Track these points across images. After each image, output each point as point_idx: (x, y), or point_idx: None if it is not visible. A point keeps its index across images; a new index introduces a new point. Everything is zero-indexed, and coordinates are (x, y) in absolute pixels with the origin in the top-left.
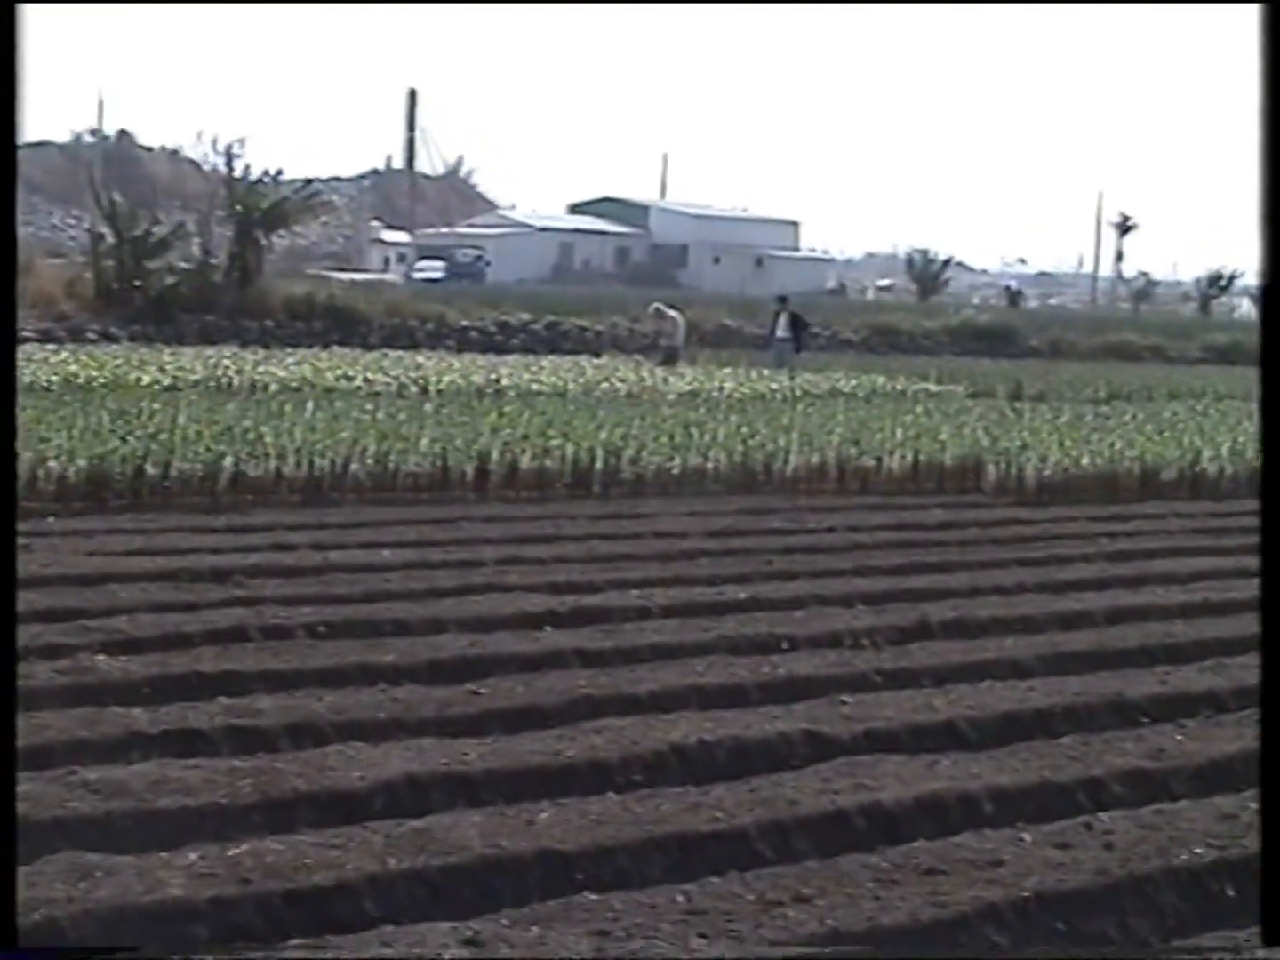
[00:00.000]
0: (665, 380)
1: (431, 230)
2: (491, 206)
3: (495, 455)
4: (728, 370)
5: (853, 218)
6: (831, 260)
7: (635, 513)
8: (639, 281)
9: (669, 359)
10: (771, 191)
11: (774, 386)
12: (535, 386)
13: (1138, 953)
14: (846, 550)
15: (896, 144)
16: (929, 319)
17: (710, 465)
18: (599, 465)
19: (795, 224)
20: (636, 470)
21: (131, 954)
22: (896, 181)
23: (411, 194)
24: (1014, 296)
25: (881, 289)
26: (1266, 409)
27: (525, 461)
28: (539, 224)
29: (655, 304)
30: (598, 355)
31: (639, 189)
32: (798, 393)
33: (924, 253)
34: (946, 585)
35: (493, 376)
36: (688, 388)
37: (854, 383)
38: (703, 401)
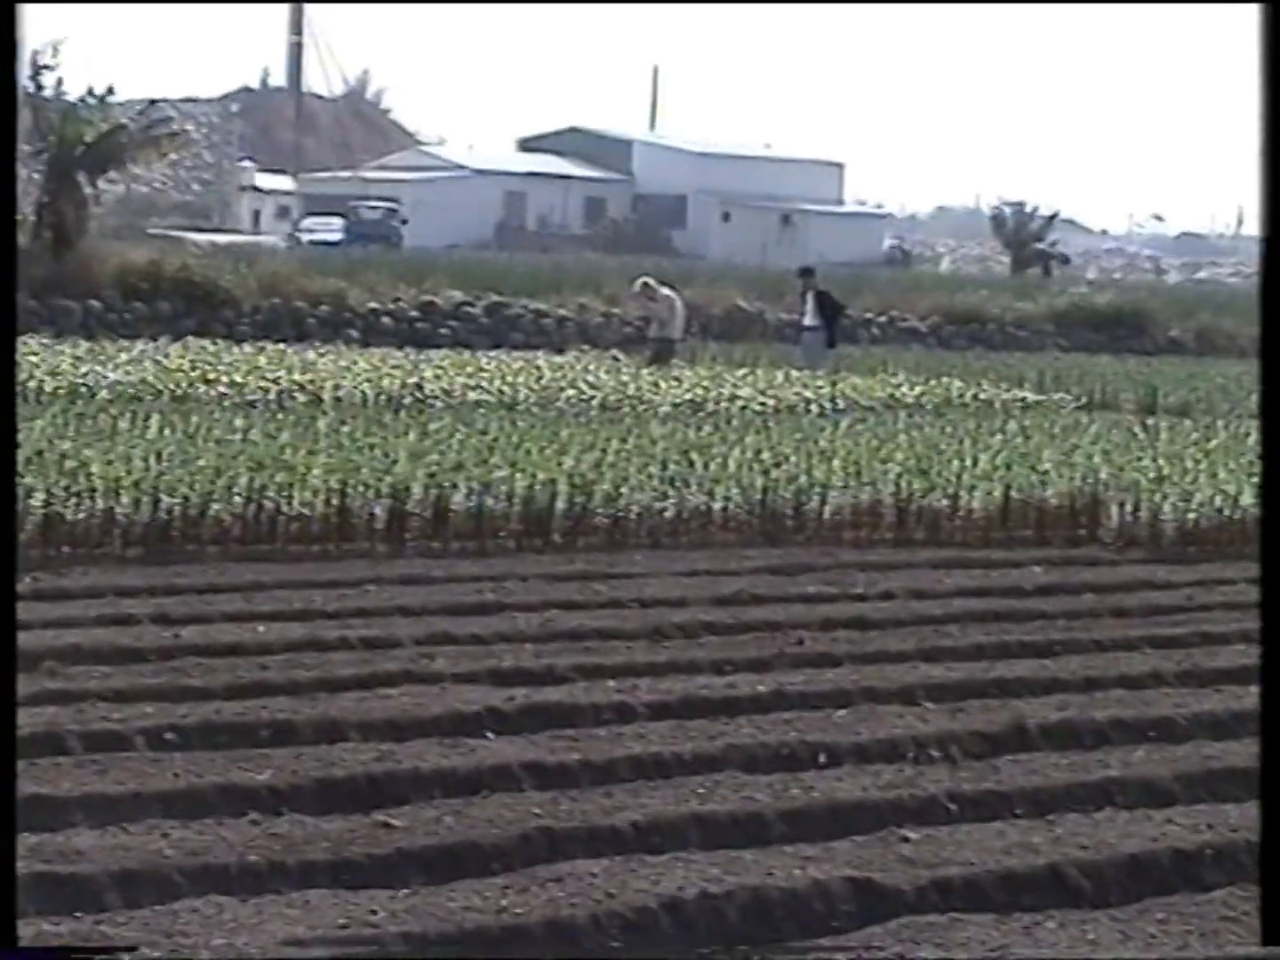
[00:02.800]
0: (656, 386)
1: (326, 174)
2: (411, 141)
3: (416, 492)
4: (743, 372)
5: (917, 160)
6: (887, 217)
7: (613, 572)
8: (618, 247)
9: (661, 355)
10: (803, 123)
11: (807, 394)
12: (473, 395)
13: (1138, 953)
14: (909, 625)
15: (978, 61)
16: (1026, 300)
17: (719, 506)
18: (562, 506)
19: (838, 167)
20: (615, 513)
21: (132, 954)
22: (978, 111)
23: (298, 122)
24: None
25: (958, 255)
26: (1266, 410)
27: (459, 501)
28: (477, 165)
29: (642, 278)
30: (560, 351)
31: (618, 117)
32: (840, 403)
33: (1018, 206)
34: (1049, 675)
35: (413, 380)
36: (687, 396)
37: (919, 389)
38: (708, 416)
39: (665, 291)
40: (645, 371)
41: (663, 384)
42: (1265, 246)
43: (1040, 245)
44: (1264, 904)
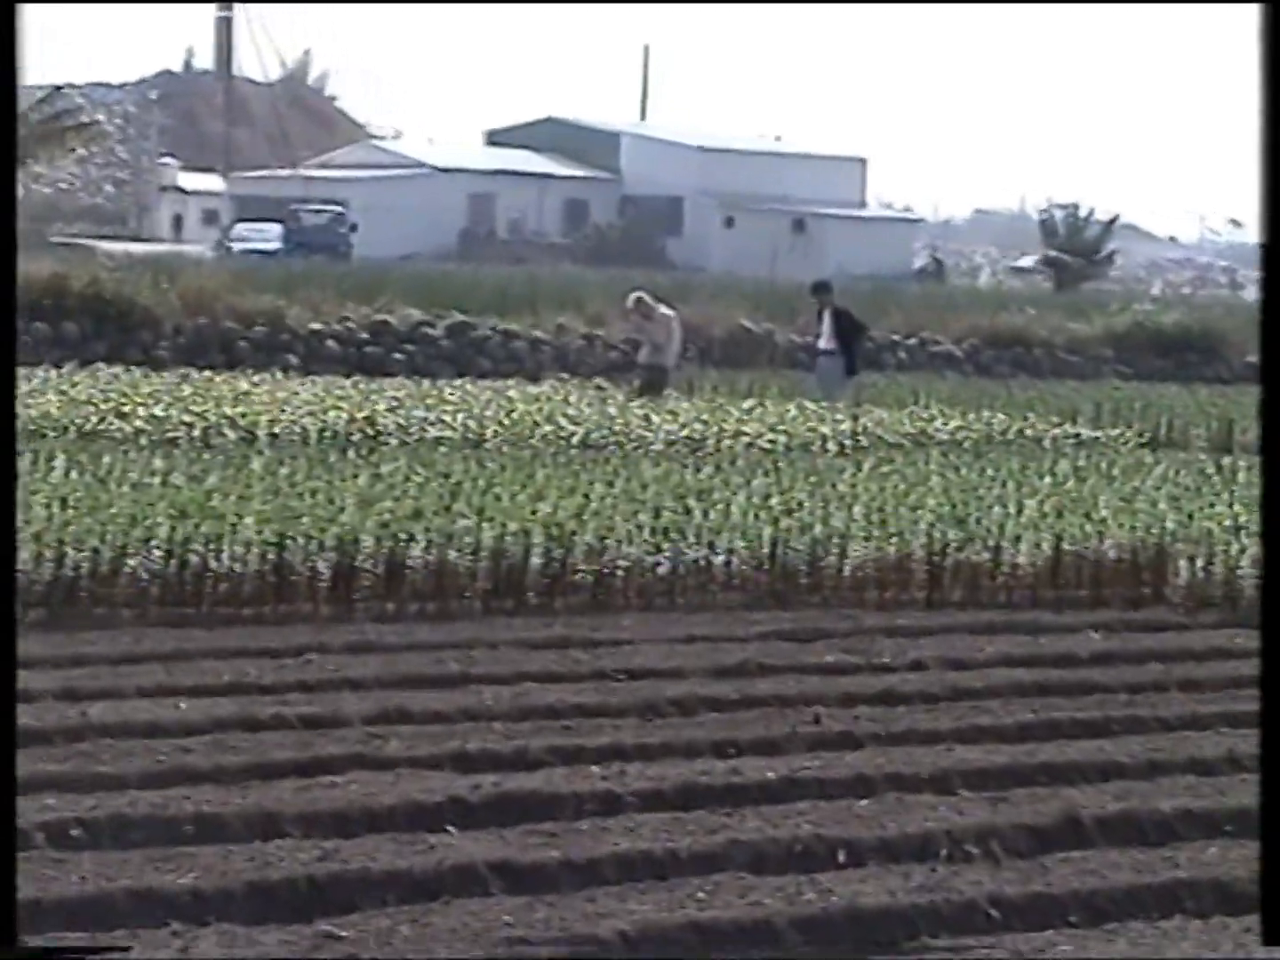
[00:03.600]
0: (648, 420)
1: (260, 173)
2: (361, 134)
3: (367, 545)
4: (748, 404)
5: (953, 156)
6: (918, 222)
7: (597, 638)
8: (603, 257)
9: (653, 384)
10: (820, 114)
11: (823, 430)
12: (433, 431)
13: (1138, 953)
14: (943, 700)
15: (1023, 39)
16: (1080, 319)
17: (721, 561)
18: (537, 561)
19: (860, 163)
20: (600, 569)
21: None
22: (1024, 99)
23: (227, 112)
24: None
25: (1016, 269)
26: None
27: (417, 555)
28: (438, 162)
29: (636, 293)
30: (535, 379)
31: (602, 106)
32: (863, 440)
33: (1071, 210)
34: (1106, 758)
35: (364, 414)
36: (684, 432)
37: (955, 424)
38: (708, 455)
39: (663, 310)
40: (635, 403)
41: (655, 418)
42: (1265, 251)
43: (1098, 255)
44: (1264, 904)
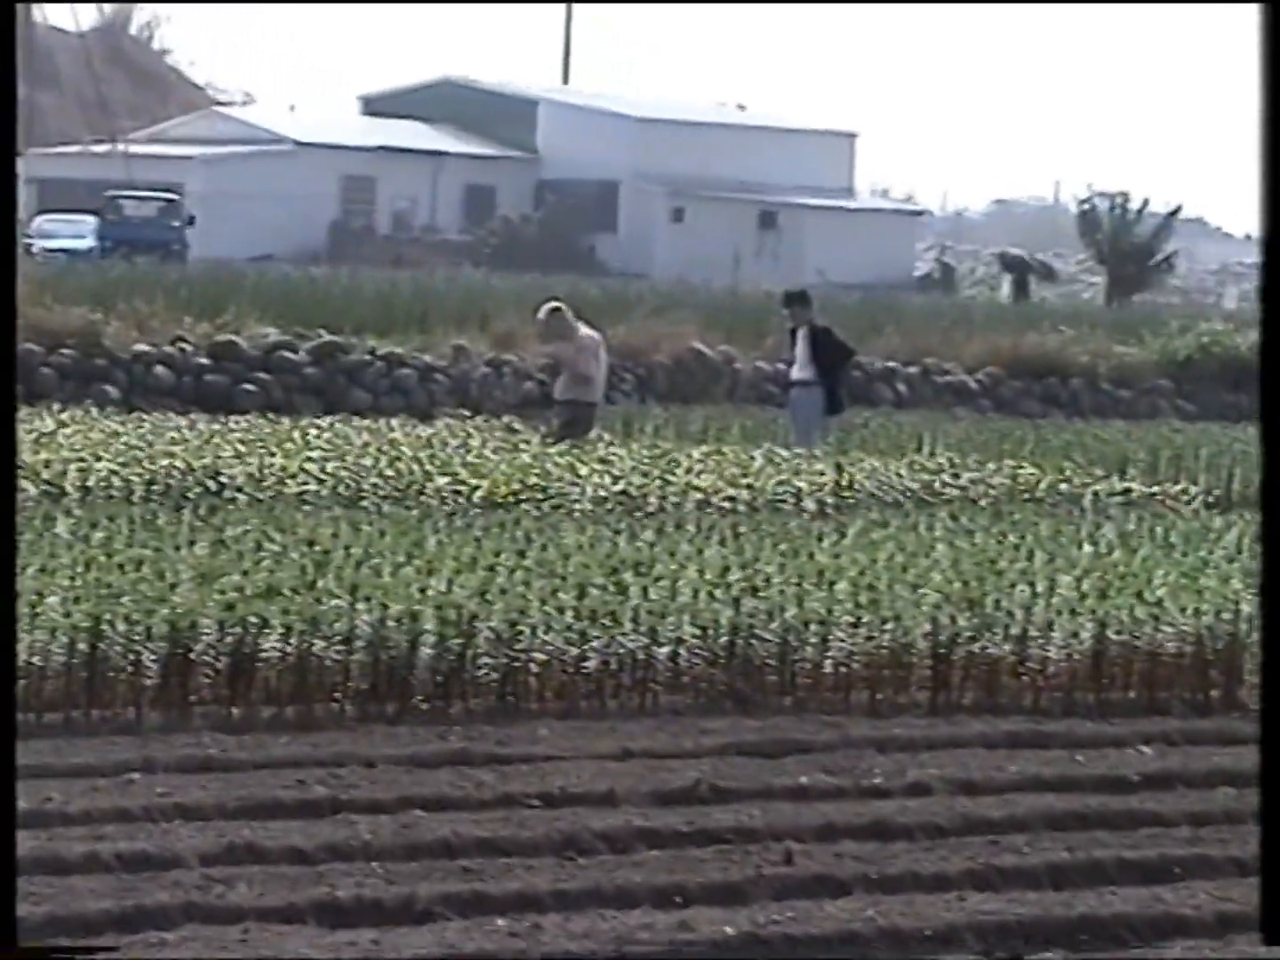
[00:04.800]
0: (572, 470)
1: (69, 149)
2: (202, 99)
3: (208, 632)
4: (702, 450)
5: (965, 132)
6: (922, 214)
7: (504, 753)
8: (514, 259)
9: (575, 424)
10: (794, 76)
11: (798, 484)
12: (294, 484)
13: (1139, 953)
14: (952, 834)
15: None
16: (1130, 341)
17: (665, 653)
18: (428, 653)
19: (848, 139)
20: (508, 663)
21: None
22: (1055, 62)
23: (27, 70)
24: None
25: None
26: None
27: (272, 646)
28: (301, 136)
29: (552, 302)
30: (428, 417)
31: (513, 66)
32: (850, 497)
33: (1118, 200)
34: (1163, 909)
35: (204, 463)
36: (618, 487)
37: (969, 476)
38: (649, 516)
39: (585, 331)
40: (554, 449)
41: (582, 468)
42: (1265, 250)
43: (1154, 258)
44: (1264, 905)
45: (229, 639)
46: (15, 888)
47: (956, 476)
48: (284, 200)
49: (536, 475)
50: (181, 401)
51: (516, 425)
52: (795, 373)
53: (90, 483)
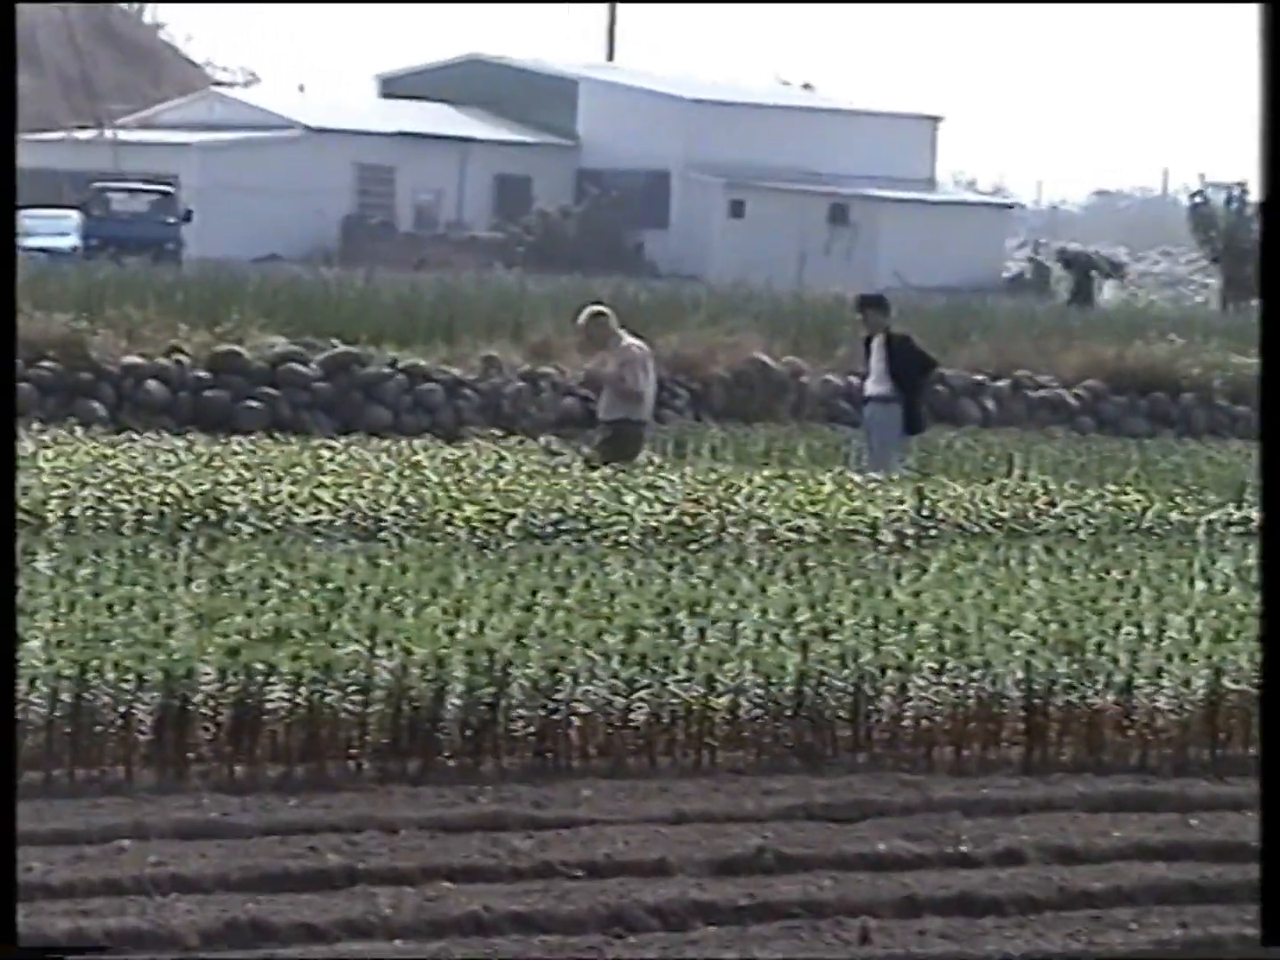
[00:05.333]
0: (618, 497)
1: (52, 135)
2: (200, 79)
3: (207, 681)
4: (766, 474)
5: (1062, 116)
6: (1012, 207)
7: (543, 816)
8: (552, 259)
9: (621, 445)
10: (866, 55)
11: (874, 512)
12: (304, 513)
13: (1138, 953)
14: (1049, 908)
15: None
16: (1247, 351)
17: (723, 704)
18: (456, 703)
19: (930, 123)
20: (548, 716)
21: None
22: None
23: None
24: None
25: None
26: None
27: (280, 696)
28: (312, 120)
29: (595, 306)
30: (455, 437)
31: (551, 42)
32: (932, 527)
33: (1236, 191)
34: None
35: (203, 490)
36: (669, 516)
37: (1067, 503)
38: (706, 550)
39: (630, 340)
40: (598, 474)
41: (629, 495)
42: (1265, 249)
43: None
44: (1264, 904)
45: (231, 688)
46: (15, 888)
47: (1052, 504)
48: (292, 193)
49: (578, 503)
50: (177, 420)
51: (555, 446)
52: (870, 387)
53: (75, 512)
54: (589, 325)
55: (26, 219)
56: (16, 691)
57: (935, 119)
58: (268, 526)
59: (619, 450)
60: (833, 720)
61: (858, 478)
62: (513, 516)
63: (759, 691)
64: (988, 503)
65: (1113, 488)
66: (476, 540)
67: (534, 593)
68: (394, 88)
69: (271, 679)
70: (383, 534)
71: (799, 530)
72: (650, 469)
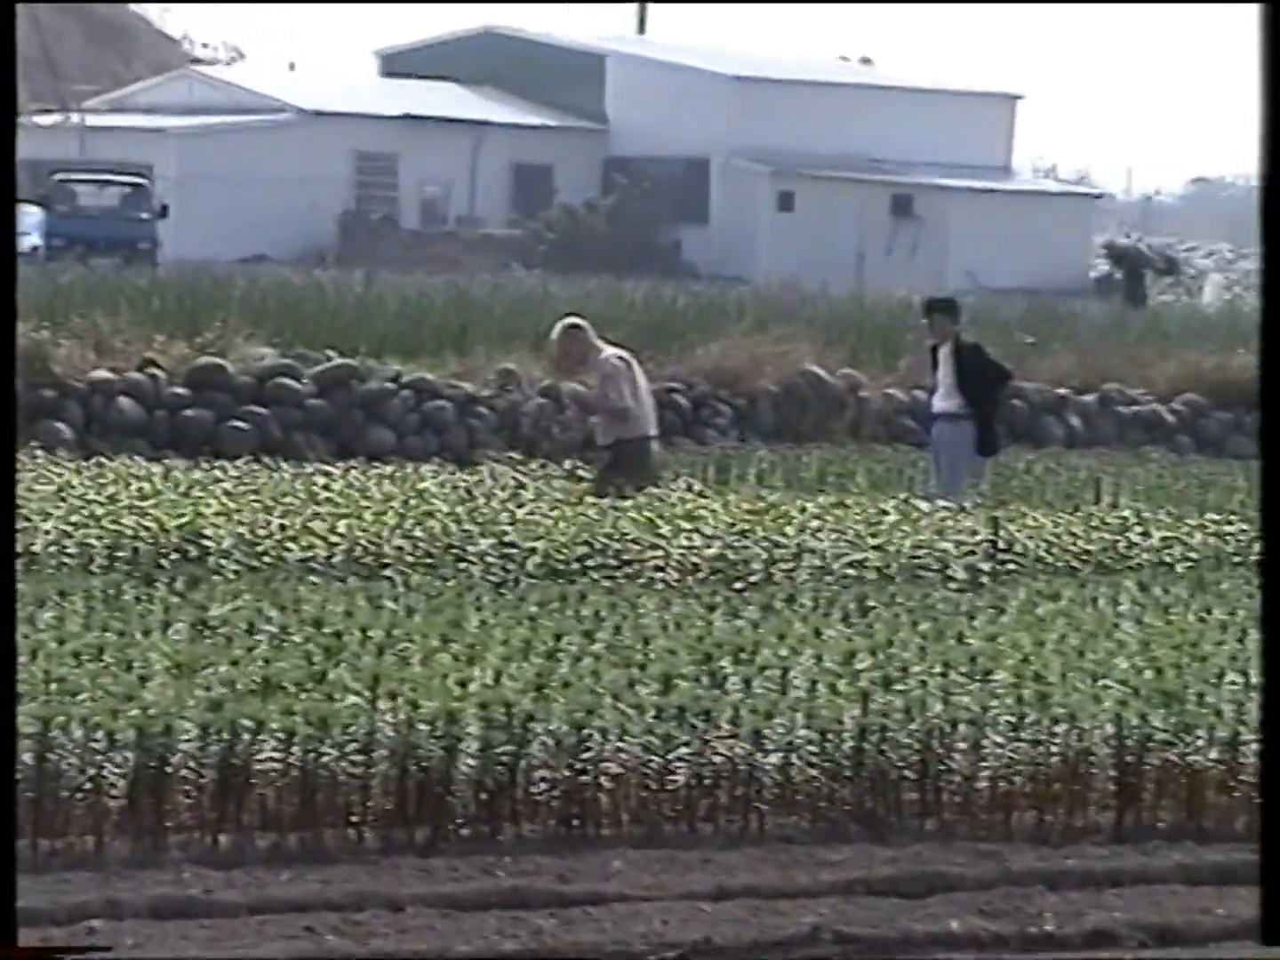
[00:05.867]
0: (653, 527)
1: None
2: (178, 57)
3: (187, 740)
4: (822, 500)
5: (1156, 98)
6: (1100, 198)
7: (568, 892)
8: (577, 258)
9: (621, 467)
10: (931, 26)
11: (942, 544)
12: (297, 548)
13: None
14: None
15: None
16: None
17: (772, 764)
18: (470, 764)
19: (1008, 102)
20: (574, 778)
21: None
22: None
23: None
24: None
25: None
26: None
27: (270, 756)
28: (305, 102)
29: (569, 319)
30: (467, 461)
31: (575, 14)
32: (1010, 562)
33: None
34: None
35: (183, 521)
36: (711, 549)
37: (1163, 534)
38: (752, 586)
39: (608, 353)
40: (630, 503)
41: (665, 526)
42: (1265, 247)
43: None
44: (1264, 904)
45: (215, 747)
46: (15, 888)
47: (1146, 535)
48: (282, 185)
49: (607, 536)
50: (152, 443)
51: (583, 470)
52: (938, 403)
53: (36, 547)
54: (563, 341)
55: None
56: (16, 691)
57: (1012, 98)
58: (255, 564)
59: (623, 474)
60: (898, 781)
61: (924, 505)
62: (533, 551)
63: (813, 749)
64: (1072, 534)
65: (1215, 516)
66: (492, 578)
67: (558, 637)
68: (397, 65)
69: (260, 736)
70: (386, 571)
71: (858, 565)
72: (689, 497)
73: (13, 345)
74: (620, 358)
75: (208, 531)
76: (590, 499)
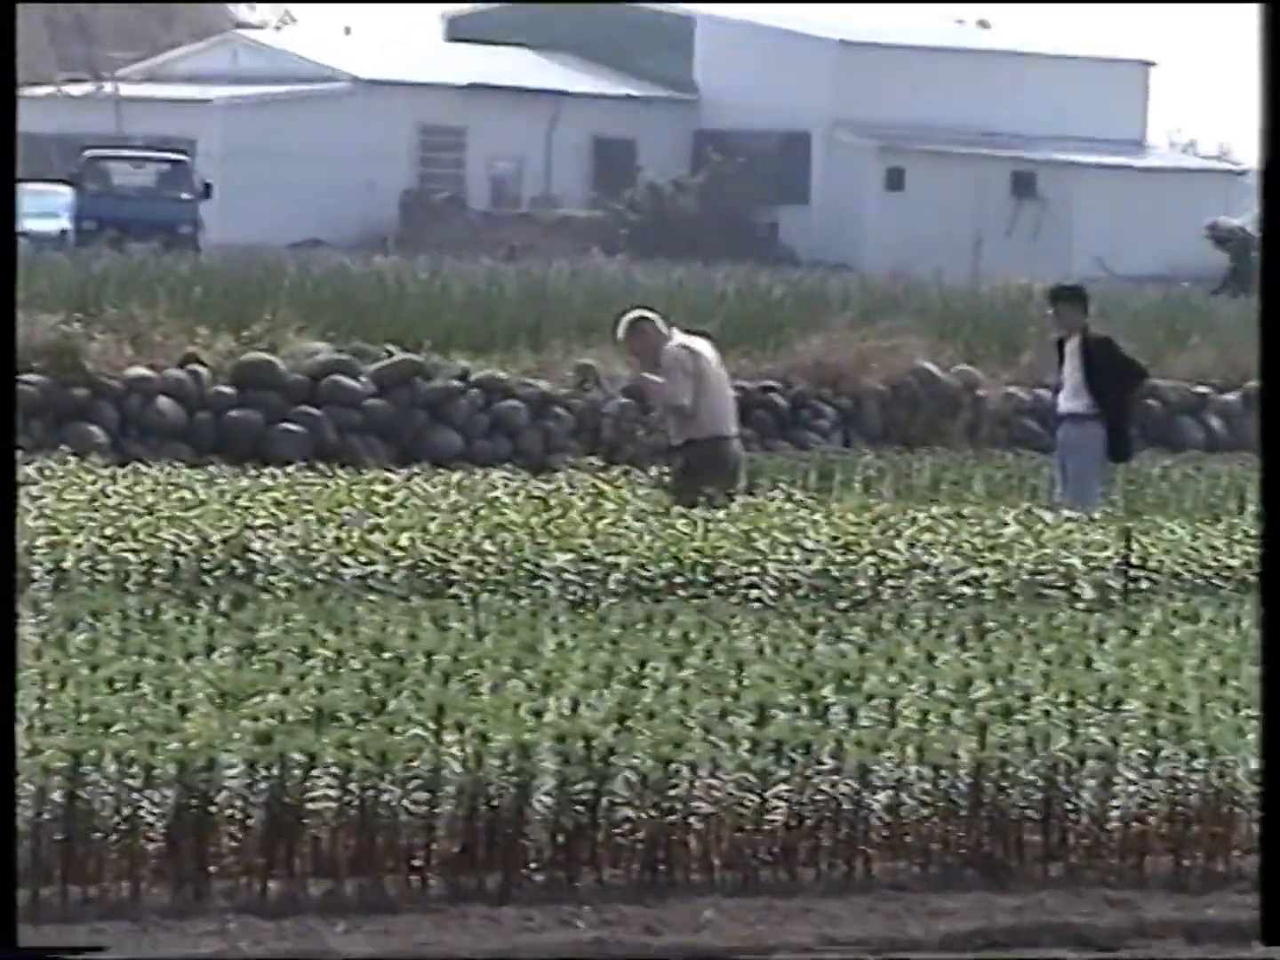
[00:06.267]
0: (748, 541)
1: (39, 92)
2: (223, 22)
3: (234, 775)
4: (935, 510)
5: None
6: (1244, 174)
7: (655, 944)
8: (665, 241)
9: (695, 472)
10: None
11: (1069, 560)
12: (355, 563)
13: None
14: None
15: None
16: None
17: (881, 803)
18: (547, 801)
19: (1141, 69)
20: (662, 816)
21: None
22: None
23: None
24: None
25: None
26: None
27: (322, 795)
28: (362, 71)
29: (636, 311)
30: (542, 467)
31: None
32: (1144, 579)
33: None
34: None
35: (229, 535)
36: (813, 564)
37: None
38: (858, 606)
39: (675, 342)
40: (722, 514)
41: (761, 539)
42: (1265, 247)
43: None
44: (1264, 904)
45: (263, 784)
46: (15, 888)
47: None
48: (337, 162)
49: (697, 550)
50: (195, 448)
51: (667, 478)
52: (1064, 402)
53: (68, 564)
54: (630, 340)
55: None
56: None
57: (1145, 64)
58: (308, 581)
59: (697, 479)
60: (1019, 822)
61: (1049, 516)
62: (615, 567)
63: (926, 786)
64: (1213, 548)
65: None
66: (570, 597)
67: (642, 663)
68: (464, 29)
69: (314, 772)
70: (452, 590)
71: (975, 582)
72: (788, 507)
73: (12, 355)
74: (684, 346)
75: (255, 545)
76: (678, 509)
